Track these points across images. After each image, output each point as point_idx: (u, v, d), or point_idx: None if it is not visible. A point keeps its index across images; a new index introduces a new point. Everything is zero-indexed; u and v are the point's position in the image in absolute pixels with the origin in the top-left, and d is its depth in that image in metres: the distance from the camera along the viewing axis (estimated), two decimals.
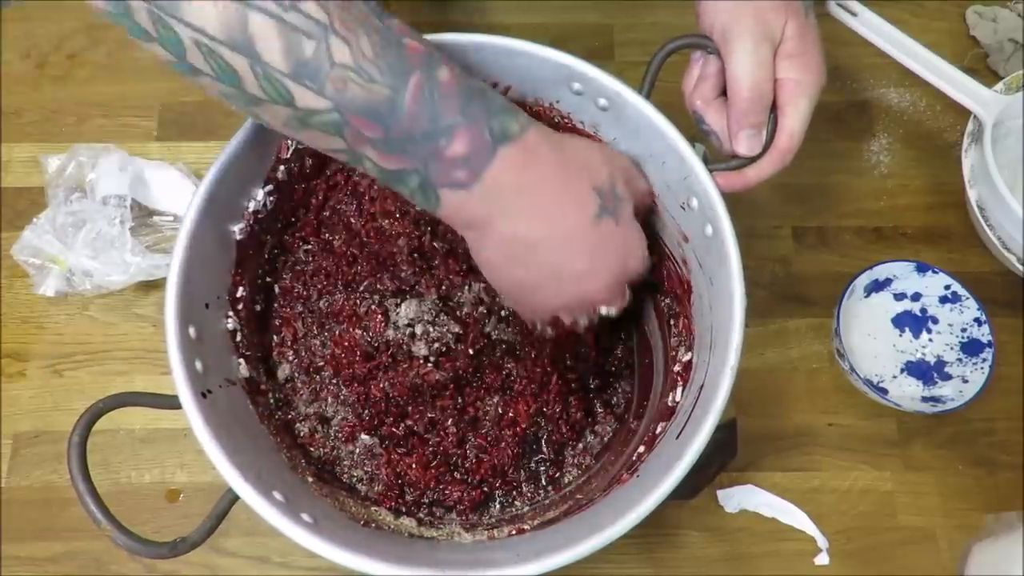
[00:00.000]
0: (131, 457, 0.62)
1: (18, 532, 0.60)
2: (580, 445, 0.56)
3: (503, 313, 0.57)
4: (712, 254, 0.47)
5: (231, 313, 0.49)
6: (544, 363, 0.55)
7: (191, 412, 0.41)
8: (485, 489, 0.54)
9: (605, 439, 0.56)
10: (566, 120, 0.52)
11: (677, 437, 0.44)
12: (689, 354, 0.50)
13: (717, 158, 0.50)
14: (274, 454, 0.47)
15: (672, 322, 0.54)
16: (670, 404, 0.49)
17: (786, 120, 0.48)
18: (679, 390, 0.49)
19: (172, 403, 0.42)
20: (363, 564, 0.39)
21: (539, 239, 0.42)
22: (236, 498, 0.41)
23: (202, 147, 0.72)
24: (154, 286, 0.67)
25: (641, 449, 0.49)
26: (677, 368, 0.51)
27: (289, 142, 0.50)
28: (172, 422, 0.63)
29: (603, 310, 0.48)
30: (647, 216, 0.52)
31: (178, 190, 0.67)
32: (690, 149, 0.47)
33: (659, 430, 0.48)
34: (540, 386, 0.55)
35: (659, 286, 0.55)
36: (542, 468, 0.55)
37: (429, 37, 0.48)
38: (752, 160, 0.49)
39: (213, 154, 0.46)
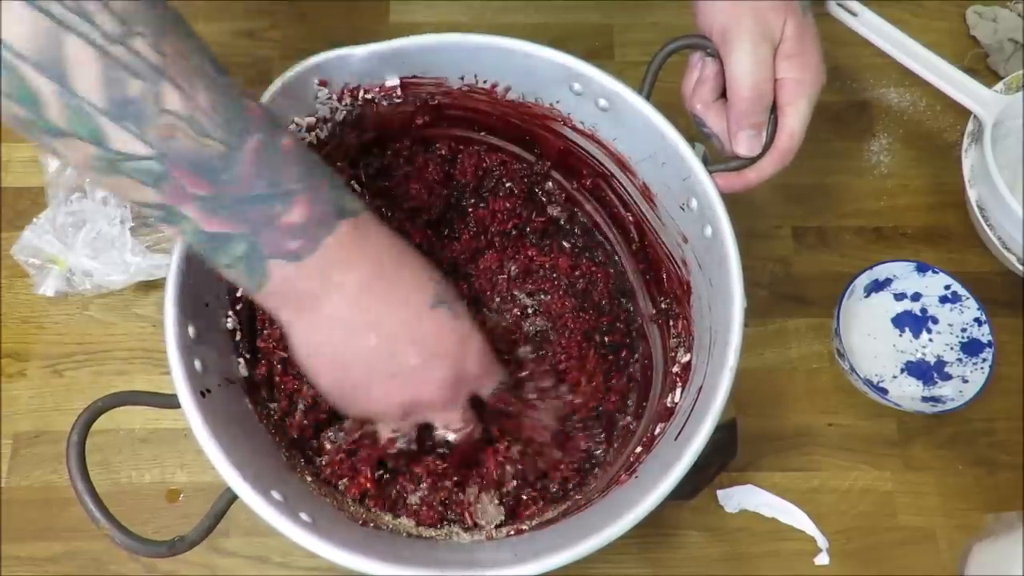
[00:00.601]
0: (131, 457, 0.62)
1: (18, 532, 0.60)
2: (627, 416, 0.55)
3: (529, 310, 0.56)
4: (711, 255, 0.47)
5: (231, 312, 0.49)
6: (578, 339, 0.54)
7: (190, 411, 0.41)
8: (563, 492, 0.52)
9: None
10: (566, 120, 0.52)
11: (676, 438, 0.44)
12: (688, 355, 0.50)
13: (717, 159, 0.50)
14: (273, 453, 0.47)
15: (671, 323, 0.54)
16: (669, 405, 0.49)
17: (786, 120, 0.48)
18: (678, 391, 0.49)
19: (171, 402, 0.42)
20: (361, 564, 0.39)
21: (369, 322, 0.40)
22: (234, 497, 0.41)
23: None
24: (154, 286, 0.67)
25: (639, 450, 0.49)
26: (676, 369, 0.51)
27: None
28: (172, 422, 0.63)
29: (437, 426, 0.45)
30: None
31: None
32: (690, 150, 0.47)
33: (657, 431, 0.48)
34: (579, 361, 0.54)
35: (659, 286, 0.55)
36: (600, 447, 0.54)
37: (426, 38, 0.48)
38: (752, 161, 0.49)
39: None
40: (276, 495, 0.41)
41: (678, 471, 0.41)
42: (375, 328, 0.40)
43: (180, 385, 0.41)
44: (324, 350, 0.41)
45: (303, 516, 0.40)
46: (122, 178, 0.34)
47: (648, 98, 0.48)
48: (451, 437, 0.45)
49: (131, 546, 0.39)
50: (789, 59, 0.47)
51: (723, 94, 0.50)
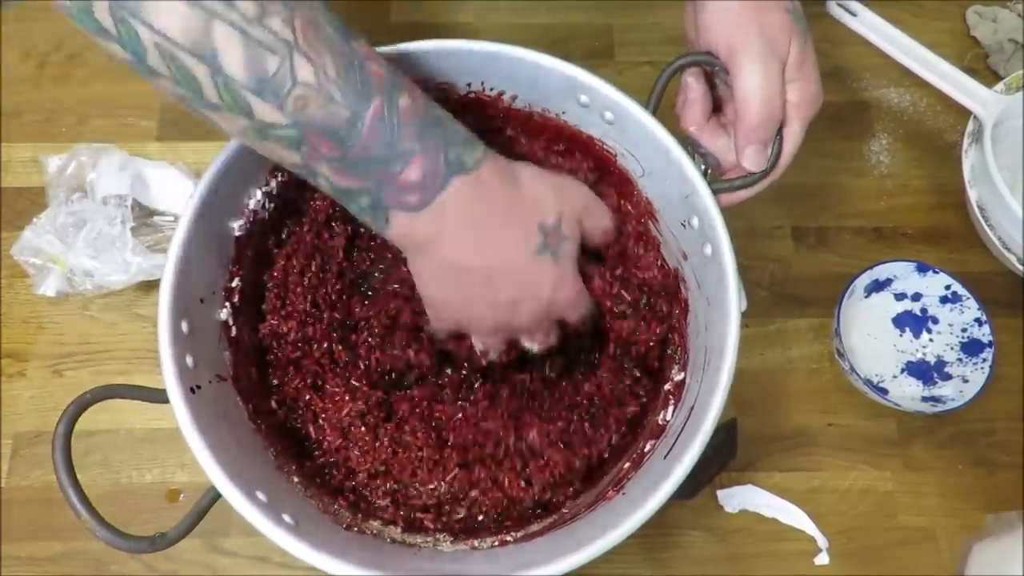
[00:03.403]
0: (131, 457, 0.62)
1: (18, 532, 0.60)
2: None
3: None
4: (710, 273, 0.47)
5: (226, 304, 0.49)
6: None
7: (178, 407, 0.41)
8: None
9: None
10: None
11: (665, 457, 0.44)
12: (682, 374, 0.50)
13: (715, 178, 0.50)
14: (261, 453, 0.47)
15: (668, 337, 0.54)
16: (660, 423, 0.49)
17: (779, 141, 0.48)
18: (670, 409, 0.49)
19: (160, 397, 0.42)
20: (336, 567, 0.39)
21: (476, 267, 0.44)
22: (218, 496, 0.40)
23: (202, 147, 0.72)
24: (155, 286, 0.67)
25: (627, 466, 0.49)
26: (668, 387, 0.51)
27: None
28: (172, 421, 0.62)
29: (524, 342, 0.50)
30: (609, 248, 0.54)
31: (178, 190, 0.67)
32: (693, 167, 0.47)
33: (647, 448, 0.48)
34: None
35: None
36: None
37: (436, 43, 0.48)
38: (755, 177, 0.49)
39: (213, 154, 0.46)
40: (260, 495, 0.40)
41: (666, 490, 0.41)
42: (482, 271, 0.44)
43: (170, 381, 0.41)
44: (438, 283, 0.46)
45: (286, 518, 0.40)
46: (271, 143, 0.39)
47: (655, 113, 0.48)
48: (535, 349, 0.50)
49: (112, 541, 0.39)
50: (790, 83, 0.47)
51: (713, 113, 0.50)
